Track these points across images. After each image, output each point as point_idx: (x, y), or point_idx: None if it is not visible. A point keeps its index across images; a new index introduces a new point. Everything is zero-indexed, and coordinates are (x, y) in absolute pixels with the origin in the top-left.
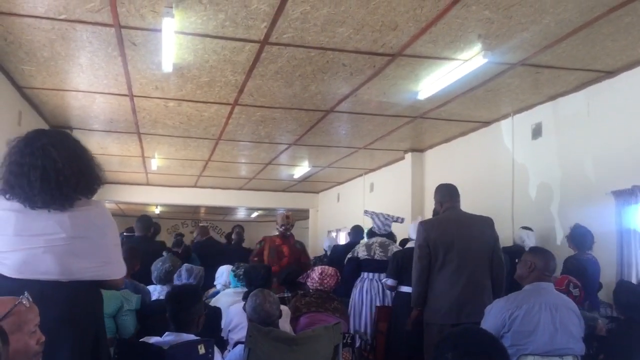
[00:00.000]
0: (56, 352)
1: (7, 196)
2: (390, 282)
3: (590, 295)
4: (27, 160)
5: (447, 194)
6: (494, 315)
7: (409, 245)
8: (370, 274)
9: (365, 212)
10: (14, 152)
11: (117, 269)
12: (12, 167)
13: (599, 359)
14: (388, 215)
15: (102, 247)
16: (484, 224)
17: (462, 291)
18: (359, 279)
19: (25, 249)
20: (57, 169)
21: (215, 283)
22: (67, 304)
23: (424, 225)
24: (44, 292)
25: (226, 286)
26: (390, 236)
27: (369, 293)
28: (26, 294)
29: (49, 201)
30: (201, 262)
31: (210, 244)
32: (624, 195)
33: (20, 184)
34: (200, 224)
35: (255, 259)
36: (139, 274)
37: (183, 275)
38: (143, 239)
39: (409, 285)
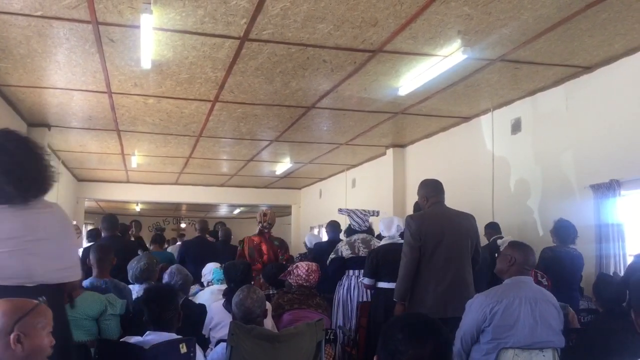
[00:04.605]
0: None
1: None
2: (367, 281)
3: (569, 289)
4: None
5: (434, 189)
6: (475, 310)
7: (383, 242)
8: (356, 271)
9: (340, 210)
10: None
11: (78, 271)
12: None
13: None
14: (364, 211)
15: (66, 249)
16: (469, 221)
17: (449, 286)
18: (345, 276)
19: None
20: (15, 164)
21: (202, 280)
22: None
23: (416, 220)
24: (9, 297)
25: (211, 283)
26: (370, 231)
27: (356, 289)
28: (42, 298)
29: (10, 197)
30: (192, 260)
31: (201, 242)
32: (602, 189)
33: None
34: (201, 219)
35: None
36: (112, 274)
37: (166, 276)
38: (111, 238)
39: (387, 281)
